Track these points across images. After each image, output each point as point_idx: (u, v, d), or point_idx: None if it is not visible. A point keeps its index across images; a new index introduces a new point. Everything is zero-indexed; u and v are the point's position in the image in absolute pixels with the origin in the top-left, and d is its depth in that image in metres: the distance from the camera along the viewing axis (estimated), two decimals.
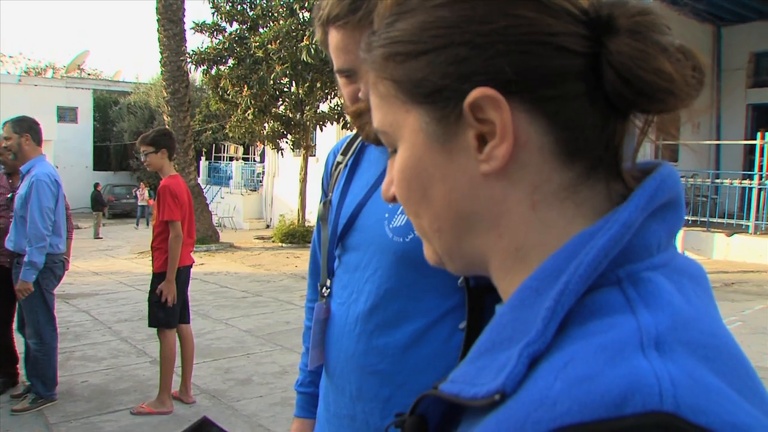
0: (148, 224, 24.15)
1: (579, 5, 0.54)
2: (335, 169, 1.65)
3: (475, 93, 0.54)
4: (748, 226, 12.10)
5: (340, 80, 1.44)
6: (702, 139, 14.26)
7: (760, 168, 11.98)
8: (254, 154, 28.71)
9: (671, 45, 0.53)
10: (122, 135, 36.12)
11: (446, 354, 1.42)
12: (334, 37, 1.38)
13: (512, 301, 0.55)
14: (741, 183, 12.33)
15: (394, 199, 0.66)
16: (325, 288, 1.60)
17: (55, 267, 4.99)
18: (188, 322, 5.27)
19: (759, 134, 12.14)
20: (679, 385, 0.44)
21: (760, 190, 11.96)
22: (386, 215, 1.45)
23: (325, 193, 1.69)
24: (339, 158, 1.66)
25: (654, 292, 0.51)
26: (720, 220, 12.52)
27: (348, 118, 1.50)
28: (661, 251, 0.55)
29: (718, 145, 15.04)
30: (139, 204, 25.74)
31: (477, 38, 0.54)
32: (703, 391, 0.44)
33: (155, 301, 4.91)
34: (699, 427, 0.42)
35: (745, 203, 12.24)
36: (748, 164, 13.71)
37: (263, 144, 19.94)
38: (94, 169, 36.40)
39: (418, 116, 0.59)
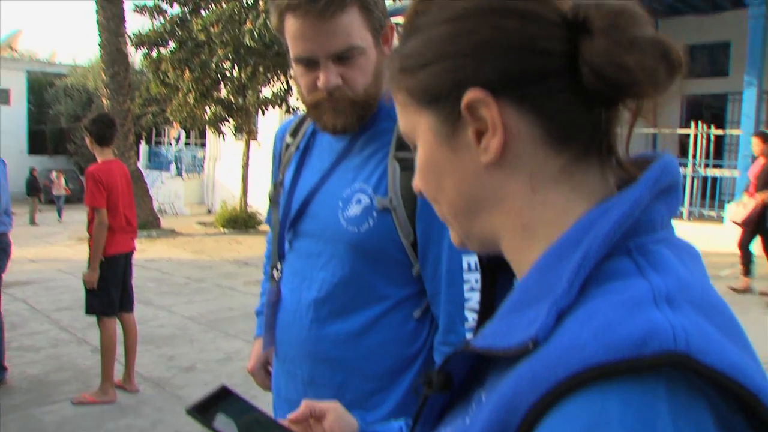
0: (60, 215, 22.85)
1: (558, 11, 0.63)
2: (285, 151, 1.64)
3: (468, 96, 0.63)
4: (682, 212, 12.49)
5: (298, 69, 1.42)
6: (639, 127, 14.57)
7: (694, 156, 12.37)
8: (188, 138, 28.11)
9: (642, 38, 0.60)
10: (59, 118, 35.02)
11: (399, 341, 1.45)
12: (292, 25, 1.36)
13: (536, 267, 0.63)
14: None
15: (421, 192, 0.74)
16: (275, 270, 1.60)
17: (7, 247, 4.94)
18: (131, 311, 5.20)
19: (693, 123, 12.52)
20: (689, 332, 0.52)
21: (693, 177, 12.35)
22: (340, 204, 1.45)
23: (275, 174, 1.67)
24: (288, 139, 1.65)
25: (660, 260, 0.60)
26: None
27: (301, 105, 1.49)
28: (663, 229, 0.64)
29: (654, 134, 15.46)
30: (54, 194, 24.03)
31: (467, 50, 0.64)
32: (708, 338, 0.53)
33: (88, 288, 4.84)
34: (706, 365, 0.51)
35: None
36: (682, 153, 14.14)
37: (181, 127, 19.54)
38: (29, 153, 35.27)
39: (428, 118, 0.69)
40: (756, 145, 8.09)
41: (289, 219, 1.54)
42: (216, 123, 16.52)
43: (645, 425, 0.49)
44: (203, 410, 0.93)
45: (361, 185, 1.44)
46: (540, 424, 0.53)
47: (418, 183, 0.74)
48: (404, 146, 1.40)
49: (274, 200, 1.62)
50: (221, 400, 0.96)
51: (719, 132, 12.62)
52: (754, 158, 8.53)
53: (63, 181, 24.22)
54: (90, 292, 4.86)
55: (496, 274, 0.80)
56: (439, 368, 0.70)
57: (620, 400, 0.50)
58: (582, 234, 0.60)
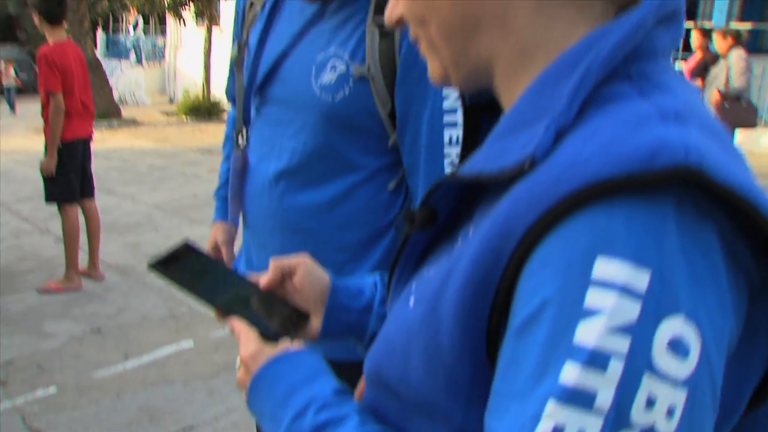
0: (12, 107, 20.69)
1: None
2: (250, 9, 1.53)
3: None
4: None
5: None
6: None
7: None
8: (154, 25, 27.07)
9: None
10: (6, 4, 33.38)
11: (372, 212, 1.40)
12: None
13: (530, 90, 0.58)
14: None
15: (398, 21, 0.68)
16: (240, 137, 1.52)
17: None
18: (92, 197, 5.11)
19: None
20: (701, 147, 0.47)
21: None
22: (313, 69, 1.36)
23: (239, 35, 1.56)
24: None
25: (664, 84, 0.55)
26: None
27: None
28: (665, 57, 0.59)
29: None
30: (4, 85, 21.59)
31: None
32: (718, 156, 0.48)
33: (46, 176, 4.72)
34: (718, 182, 0.46)
35: None
36: None
37: (138, 12, 18.76)
38: None
39: None
40: (696, 39, 8.10)
41: (256, 83, 1.45)
42: (176, 8, 15.94)
43: (651, 245, 0.45)
44: (166, 265, 0.88)
45: (336, 50, 1.34)
46: (537, 247, 0.48)
47: (398, 6, 0.66)
48: (383, 10, 1.30)
49: (237, 63, 1.51)
50: (184, 256, 0.91)
51: (689, 25, 12.54)
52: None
53: (12, 71, 22.89)
54: (49, 180, 4.74)
55: (479, 117, 0.74)
56: (421, 202, 0.65)
57: (626, 218, 0.46)
58: (582, 54, 0.55)
